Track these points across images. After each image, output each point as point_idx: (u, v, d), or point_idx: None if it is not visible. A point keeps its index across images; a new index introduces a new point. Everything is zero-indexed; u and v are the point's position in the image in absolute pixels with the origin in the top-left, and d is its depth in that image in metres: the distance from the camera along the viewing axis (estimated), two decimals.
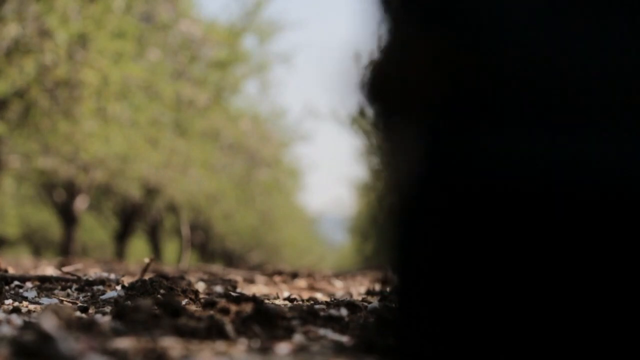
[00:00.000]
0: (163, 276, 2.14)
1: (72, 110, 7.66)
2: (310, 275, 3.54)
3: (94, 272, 2.74)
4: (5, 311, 1.61)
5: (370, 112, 1.12)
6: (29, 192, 16.54)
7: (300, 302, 2.06)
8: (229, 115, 15.03)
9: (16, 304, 1.80)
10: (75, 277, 2.23)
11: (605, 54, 0.88)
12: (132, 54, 8.31)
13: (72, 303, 1.87)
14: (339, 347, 1.17)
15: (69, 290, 2.10)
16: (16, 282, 2.17)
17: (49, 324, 1.00)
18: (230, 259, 26.11)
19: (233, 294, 2.21)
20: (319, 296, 2.76)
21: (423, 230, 0.95)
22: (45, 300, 1.91)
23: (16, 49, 6.89)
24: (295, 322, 1.38)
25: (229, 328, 1.24)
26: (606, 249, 0.87)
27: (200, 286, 2.57)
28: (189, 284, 2.05)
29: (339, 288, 3.14)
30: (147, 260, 2.30)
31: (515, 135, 0.88)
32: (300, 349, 1.16)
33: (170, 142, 11.88)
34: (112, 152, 10.30)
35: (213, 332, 1.22)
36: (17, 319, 1.39)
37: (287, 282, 3.18)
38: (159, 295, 1.83)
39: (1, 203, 17.29)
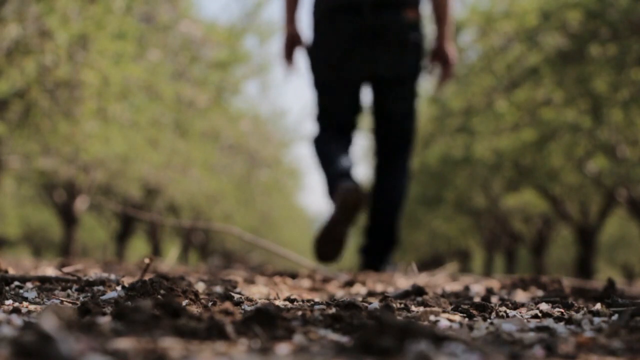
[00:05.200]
0: (163, 276, 2.14)
1: (73, 110, 7.67)
2: (310, 276, 3.54)
3: (94, 272, 2.74)
4: (5, 312, 1.61)
5: None
6: (29, 193, 16.55)
7: (301, 303, 2.06)
8: (229, 116, 15.04)
9: (16, 304, 1.80)
10: (75, 278, 2.23)
11: None
12: (133, 55, 8.32)
13: (72, 303, 1.87)
14: (339, 348, 1.17)
15: (69, 291, 2.10)
16: (16, 283, 2.17)
17: (49, 324, 1.00)
18: (230, 260, 26.09)
19: (233, 294, 2.21)
20: (319, 297, 2.76)
21: None
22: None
23: (17, 50, 6.89)
24: (295, 323, 1.38)
25: (230, 328, 1.24)
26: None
27: (200, 286, 2.57)
28: (189, 284, 2.06)
29: (339, 289, 3.14)
30: (147, 260, 2.30)
31: None
32: (300, 350, 1.16)
33: (170, 142, 11.89)
34: (112, 152, 10.30)
35: (213, 332, 1.23)
36: (17, 320, 1.39)
37: (287, 282, 3.19)
38: (159, 296, 1.83)
39: (1, 203, 17.29)
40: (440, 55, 4.06)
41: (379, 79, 3.94)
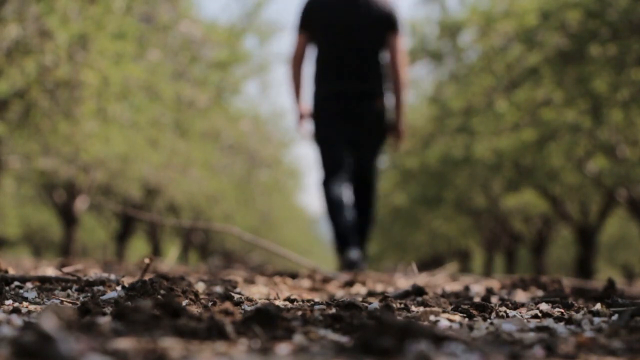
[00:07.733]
0: (163, 276, 2.14)
1: (73, 110, 7.66)
2: (310, 276, 3.54)
3: (94, 272, 2.74)
4: (5, 312, 1.61)
5: None
6: (30, 193, 16.55)
7: (301, 303, 2.07)
8: (229, 116, 15.03)
9: (16, 304, 1.80)
10: (75, 278, 2.23)
11: None
12: (133, 55, 8.31)
13: (72, 304, 1.87)
14: (339, 348, 1.17)
15: (69, 291, 2.10)
16: (16, 283, 2.17)
17: (49, 324, 1.00)
18: (231, 260, 26.04)
19: (233, 294, 2.21)
20: (319, 297, 2.76)
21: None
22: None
23: (17, 50, 6.89)
24: (295, 323, 1.38)
25: (229, 328, 1.24)
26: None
27: (200, 286, 2.57)
28: (189, 284, 2.05)
29: (339, 289, 3.14)
30: (147, 260, 2.30)
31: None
32: (300, 350, 1.16)
33: (170, 142, 11.89)
34: (112, 152, 10.30)
35: (213, 332, 1.23)
36: (17, 320, 1.39)
37: (287, 282, 3.18)
38: (159, 296, 1.83)
39: (1, 203, 17.28)
40: (395, 131, 5.62)
41: (356, 143, 5.58)
